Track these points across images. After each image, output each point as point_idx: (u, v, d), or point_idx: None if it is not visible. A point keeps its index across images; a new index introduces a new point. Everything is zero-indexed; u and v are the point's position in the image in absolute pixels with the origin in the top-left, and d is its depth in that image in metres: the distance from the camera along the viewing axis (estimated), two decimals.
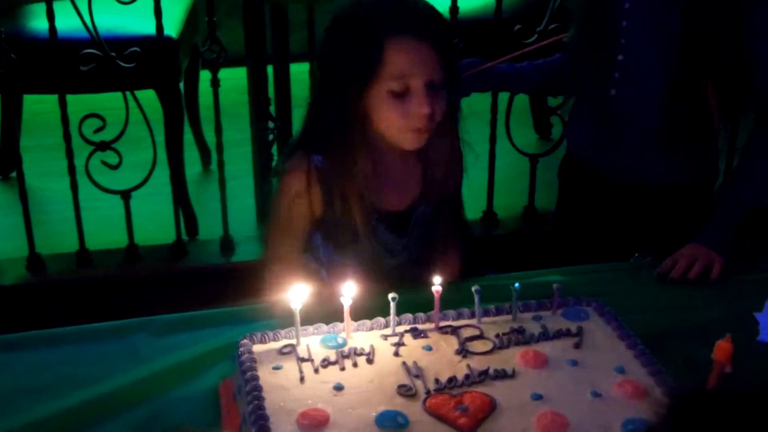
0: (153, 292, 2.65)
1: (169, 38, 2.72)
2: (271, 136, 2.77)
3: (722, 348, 1.30)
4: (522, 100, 3.07)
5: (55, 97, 2.59)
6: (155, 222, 2.84)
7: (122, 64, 2.55)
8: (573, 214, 2.21)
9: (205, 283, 2.63)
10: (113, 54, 2.54)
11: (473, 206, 2.97)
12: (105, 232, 2.81)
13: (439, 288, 1.47)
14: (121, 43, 2.59)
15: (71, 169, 2.61)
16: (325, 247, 1.82)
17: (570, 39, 2.04)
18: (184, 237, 2.81)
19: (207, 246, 2.83)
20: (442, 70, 1.64)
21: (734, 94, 1.96)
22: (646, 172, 2.02)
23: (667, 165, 2.00)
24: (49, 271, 2.70)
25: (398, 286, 1.81)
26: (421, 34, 1.62)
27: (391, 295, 1.45)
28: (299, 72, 2.83)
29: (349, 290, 1.44)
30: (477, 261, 1.97)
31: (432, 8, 1.69)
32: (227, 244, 2.79)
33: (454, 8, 2.71)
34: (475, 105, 3.05)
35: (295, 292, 1.41)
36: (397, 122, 1.65)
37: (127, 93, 2.59)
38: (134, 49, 2.56)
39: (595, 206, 2.12)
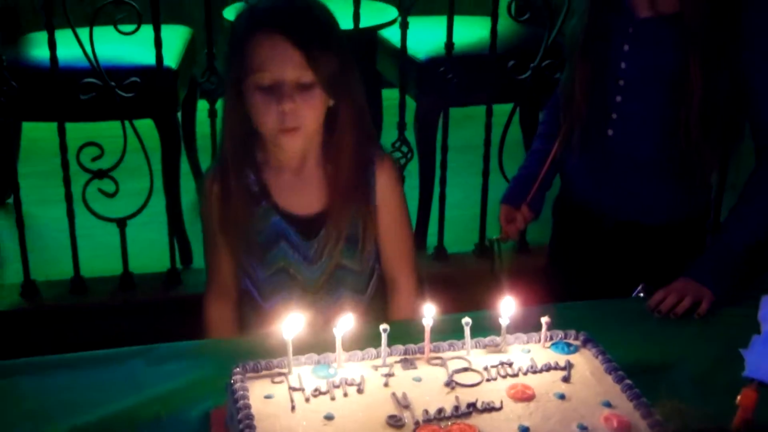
0: (147, 320, 2.67)
1: (168, 69, 2.76)
2: None
3: (747, 395, 1.32)
4: (515, 134, 3.11)
5: (53, 125, 2.62)
6: (150, 250, 2.87)
7: (122, 93, 2.59)
8: (567, 251, 2.23)
9: (199, 312, 2.63)
10: (113, 83, 2.58)
11: (466, 239, 3.02)
12: (100, 259, 2.84)
13: (430, 320, 1.49)
14: (121, 72, 2.63)
15: (68, 197, 2.63)
16: (252, 265, 1.86)
17: (565, 80, 2.06)
18: (179, 265, 2.83)
19: (201, 275, 2.80)
20: (309, 70, 1.69)
21: (727, 133, 1.98)
22: (641, 211, 2.04)
23: (661, 204, 2.03)
24: (44, 298, 2.72)
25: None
26: (277, 29, 1.68)
27: (382, 327, 1.47)
28: None
29: (343, 322, 1.46)
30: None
31: (299, 8, 1.74)
32: None
33: (449, 44, 2.76)
34: (470, 139, 3.11)
35: (289, 323, 1.43)
36: (264, 117, 1.71)
37: (126, 122, 2.63)
38: (134, 79, 2.60)
39: (590, 243, 2.14)
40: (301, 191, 1.83)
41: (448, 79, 2.81)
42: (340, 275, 1.86)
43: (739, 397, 1.29)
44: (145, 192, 2.68)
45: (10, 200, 2.89)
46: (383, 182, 1.86)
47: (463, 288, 2.41)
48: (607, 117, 1.99)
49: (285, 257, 1.84)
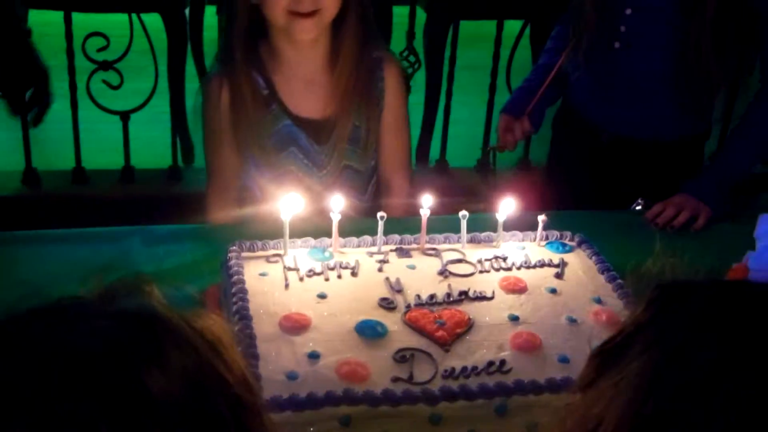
0: (145, 213, 2.67)
1: None
2: None
3: (737, 270, 1.33)
4: (526, 55, 3.08)
5: (59, 19, 2.59)
6: (153, 147, 2.87)
7: None
8: (565, 165, 2.22)
9: (198, 209, 2.65)
10: None
11: (468, 155, 3.01)
12: (102, 153, 2.84)
13: (427, 211, 1.50)
14: None
15: (72, 86, 2.62)
16: (259, 166, 1.86)
17: None
18: (180, 163, 2.84)
19: (202, 173, 2.82)
20: None
21: (736, 55, 1.96)
22: (641, 127, 2.03)
23: (662, 120, 2.02)
24: (44, 186, 2.73)
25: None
26: None
27: (379, 214, 1.48)
28: None
29: (338, 205, 1.46)
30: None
31: None
32: None
33: None
34: (479, 59, 3.08)
35: (287, 204, 1.43)
36: (279, 4, 1.69)
37: (133, 16, 2.60)
38: None
39: (588, 158, 2.14)
40: (311, 96, 1.82)
41: None
42: (344, 176, 1.87)
43: (729, 272, 1.31)
44: (149, 91, 2.67)
45: None
46: (391, 84, 1.86)
47: (462, 199, 2.42)
48: (616, 29, 1.97)
49: (294, 161, 1.84)
